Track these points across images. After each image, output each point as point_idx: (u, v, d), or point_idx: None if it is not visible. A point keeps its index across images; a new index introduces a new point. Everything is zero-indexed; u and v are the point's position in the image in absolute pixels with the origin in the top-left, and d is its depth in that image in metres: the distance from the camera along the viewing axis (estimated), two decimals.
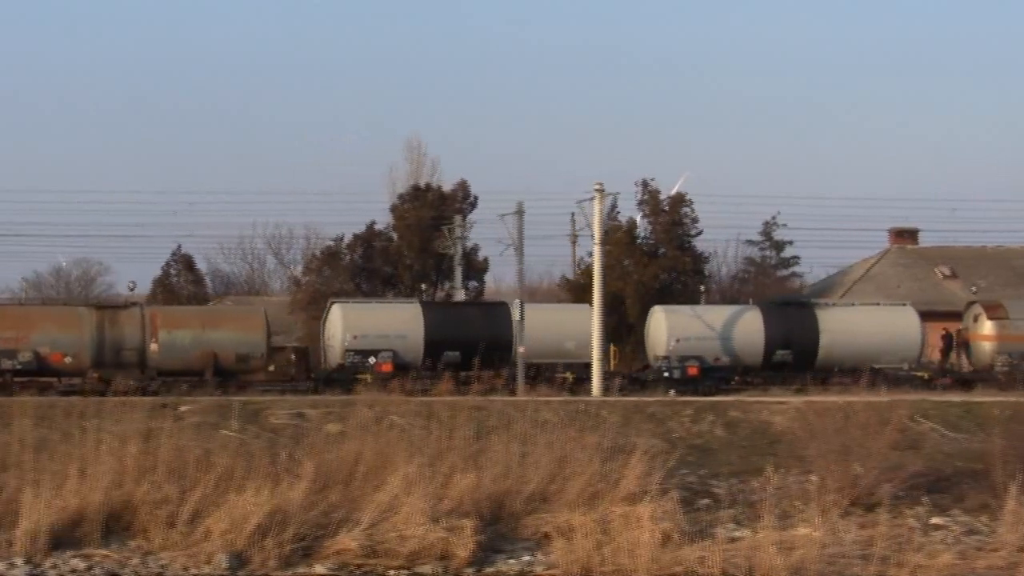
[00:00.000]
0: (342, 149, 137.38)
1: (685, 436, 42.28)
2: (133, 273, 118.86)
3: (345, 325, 55.14)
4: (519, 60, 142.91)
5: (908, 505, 36.94)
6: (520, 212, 57.51)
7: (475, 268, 69.59)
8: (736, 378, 55.82)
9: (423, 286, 68.04)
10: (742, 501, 36.88)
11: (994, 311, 58.72)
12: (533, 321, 54.64)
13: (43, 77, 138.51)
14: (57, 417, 40.30)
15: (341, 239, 71.17)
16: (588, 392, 52.01)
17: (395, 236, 70.59)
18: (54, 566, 33.17)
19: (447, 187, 72.26)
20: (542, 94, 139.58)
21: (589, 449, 37.37)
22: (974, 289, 67.20)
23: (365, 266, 70.24)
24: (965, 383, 56.12)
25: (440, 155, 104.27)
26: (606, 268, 56.21)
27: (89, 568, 33.30)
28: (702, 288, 66.43)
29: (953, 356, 60.67)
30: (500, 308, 57.68)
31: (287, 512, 33.98)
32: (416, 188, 73.38)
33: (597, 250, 55.13)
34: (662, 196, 70.35)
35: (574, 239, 72.17)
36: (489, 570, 33.88)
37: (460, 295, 64.41)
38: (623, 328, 64.83)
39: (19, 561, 33.14)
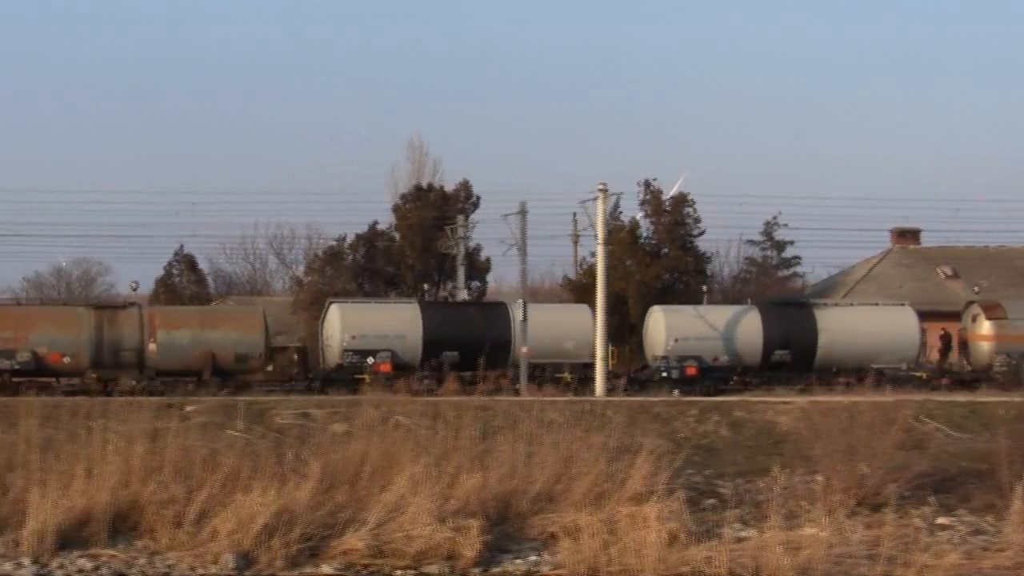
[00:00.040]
0: (342, 149, 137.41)
1: (690, 436, 42.29)
2: (134, 273, 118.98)
3: (343, 325, 55.14)
4: (519, 60, 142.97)
5: (914, 505, 36.98)
6: (523, 212, 57.57)
7: (477, 268, 69.58)
8: (735, 378, 55.86)
9: (425, 286, 68.05)
10: (748, 501, 36.90)
11: (992, 311, 58.72)
12: (532, 321, 54.74)
13: (43, 77, 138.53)
14: (63, 417, 40.25)
15: (343, 239, 71.24)
16: (589, 392, 52.01)
17: (397, 236, 70.60)
18: (61, 566, 33.17)
19: (449, 187, 72.36)
20: (542, 94, 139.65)
21: (595, 449, 37.36)
22: (976, 289, 67.22)
23: (367, 266, 70.25)
24: (963, 383, 56.15)
25: (440, 155, 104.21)
26: (608, 268, 56.24)
27: (96, 568, 33.30)
28: (704, 288, 66.47)
29: (952, 356, 60.72)
30: (499, 308, 57.74)
31: (294, 512, 33.98)
32: (419, 188, 73.37)
33: (601, 250, 55.14)
34: (664, 196, 70.38)
35: (576, 239, 72.23)
36: (496, 570, 33.88)
37: (463, 295, 64.43)
38: (625, 328, 64.83)
39: (26, 561, 33.15)
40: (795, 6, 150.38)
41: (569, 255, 74.88)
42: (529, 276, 60.38)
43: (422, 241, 68.92)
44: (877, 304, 61.10)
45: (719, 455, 40.73)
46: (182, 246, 78.08)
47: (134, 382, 49.80)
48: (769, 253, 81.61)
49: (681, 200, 70.15)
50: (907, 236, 77.88)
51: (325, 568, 33.50)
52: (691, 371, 55.33)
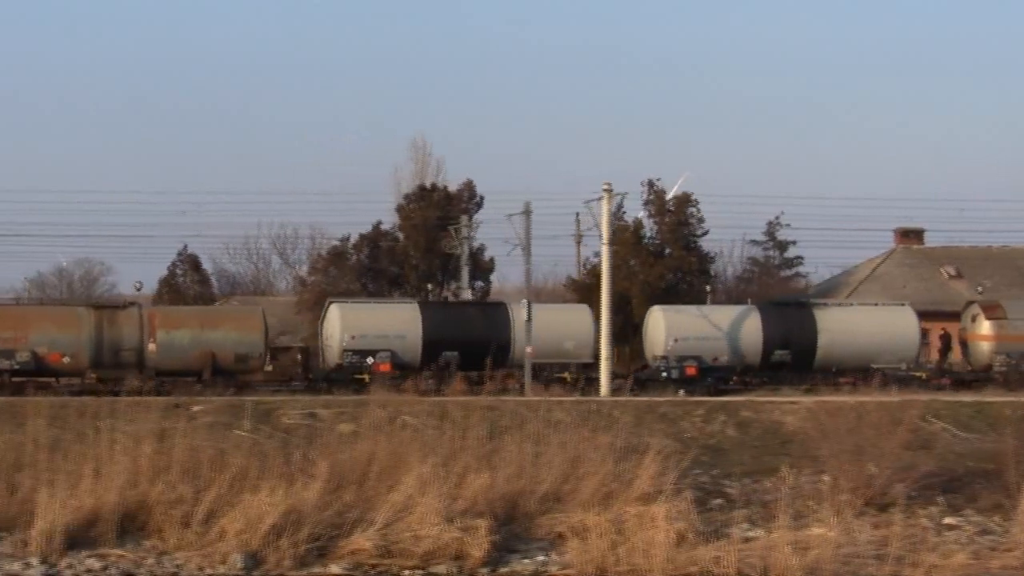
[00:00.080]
0: (343, 149, 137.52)
1: (697, 436, 42.28)
2: (136, 273, 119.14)
3: (343, 325, 55.12)
4: (519, 60, 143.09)
5: (921, 505, 36.95)
6: (527, 212, 57.59)
7: (481, 268, 69.60)
8: (735, 378, 55.86)
9: (429, 286, 68.05)
10: (756, 501, 36.90)
11: (992, 311, 58.73)
12: (532, 321, 54.63)
13: (43, 77, 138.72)
14: (70, 417, 40.25)
15: (347, 239, 71.26)
16: (595, 392, 51.99)
17: (401, 236, 70.60)
18: (69, 566, 33.15)
19: (452, 187, 72.38)
20: (542, 94, 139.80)
21: (602, 449, 37.35)
22: (980, 289, 67.23)
23: (371, 266, 70.24)
24: (964, 383, 56.13)
25: (442, 155, 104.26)
26: (612, 268, 56.22)
27: (104, 568, 33.28)
28: (708, 288, 66.46)
29: (953, 356, 60.72)
30: (499, 308, 57.77)
31: (301, 512, 33.96)
32: (422, 188, 73.37)
33: (605, 250, 55.14)
34: (667, 196, 70.35)
35: (579, 239, 72.22)
36: (504, 570, 33.85)
37: (467, 295, 64.43)
38: (629, 328, 64.80)
39: (35, 561, 33.13)
40: (795, 6, 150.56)
41: (571, 255, 74.97)
42: (532, 276, 60.40)
43: (426, 241, 68.91)
44: (877, 304, 61.14)
45: (726, 455, 40.73)
46: (186, 246, 78.22)
47: (138, 382, 49.70)
48: (772, 253, 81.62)
49: (684, 200, 70.12)
50: (911, 236, 77.96)
51: (333, 568, 33.49)
52: (691, 371, 55.35)
